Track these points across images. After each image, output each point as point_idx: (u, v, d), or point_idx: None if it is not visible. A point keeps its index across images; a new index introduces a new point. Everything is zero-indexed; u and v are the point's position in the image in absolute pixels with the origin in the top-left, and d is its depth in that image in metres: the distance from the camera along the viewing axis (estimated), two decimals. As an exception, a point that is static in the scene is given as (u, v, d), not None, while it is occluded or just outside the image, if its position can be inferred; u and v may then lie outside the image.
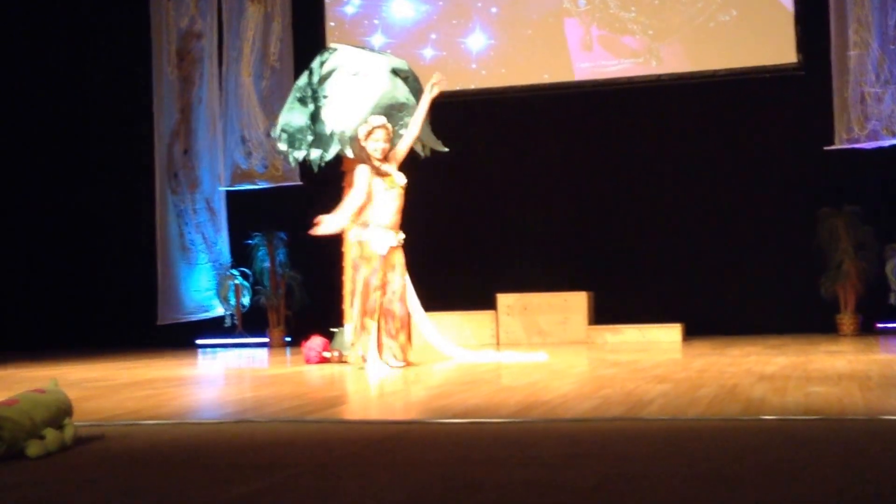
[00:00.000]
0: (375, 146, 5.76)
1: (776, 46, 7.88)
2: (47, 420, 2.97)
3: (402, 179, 5.81)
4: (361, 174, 5.72)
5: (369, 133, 5.77)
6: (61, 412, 3.06)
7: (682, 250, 8.07)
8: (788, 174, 7.91)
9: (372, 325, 5.65)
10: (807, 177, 7.81)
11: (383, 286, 5.73)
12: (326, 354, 6.36)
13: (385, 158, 5.79)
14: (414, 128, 5.91)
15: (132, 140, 9.11)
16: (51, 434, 2.94)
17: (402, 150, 5.88)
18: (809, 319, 7.65)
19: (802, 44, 7.84)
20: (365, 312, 5.67)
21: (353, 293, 5.85)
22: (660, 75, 8.14)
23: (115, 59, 9.20)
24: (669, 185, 8.14)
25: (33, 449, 2.87)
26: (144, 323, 8.78)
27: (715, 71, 8.03)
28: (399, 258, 5.83)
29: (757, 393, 3.92)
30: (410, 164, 6.06)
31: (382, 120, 5.84)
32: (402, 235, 5.84)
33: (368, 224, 5.73)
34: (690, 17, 8.10)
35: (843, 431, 3.02)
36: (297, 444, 3.13)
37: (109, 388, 4.98)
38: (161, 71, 9.04)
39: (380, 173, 5.74)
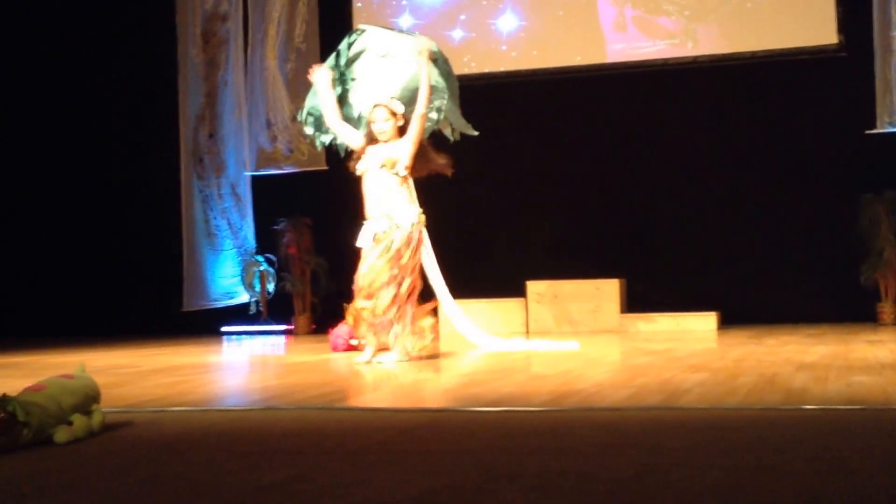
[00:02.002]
0: (374, 127, 5.55)
1: (816, 27, 7.70)
2: (75, 406, 2.96)
3: (400, 169, 5.50)
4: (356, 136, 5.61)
5: (370, 114, 5.59)
6: (89, 398, 3.05)
7: (718, 237, 7.94)
8: (829, 159, 7.75)
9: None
10: (848, 162, 7.66)
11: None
12: (353, 342, 6.30)
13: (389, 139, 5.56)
14: (420, 106, 5.57)
15: (157, 125, 9.07)
16: (79, 420, 2.93)
17: (413, 129, 5.58)
18: (849, 308, 7.51)
19: (844, 24, 7.65)
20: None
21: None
22: (696, 57, 7.98)
23: (140, 41, 9.15)
24: (705, 169, 7.99)
25: (61, 435, 2.86)
26: (170, 309, 8.76)
27: (753, 52, 7.85)
28: (378, 248, 5.48)
29: (797, 382, 3.85)
30: (440, 149, 5.93)
31: (380, 98, 5.62)
32: (382, 225, 5.50)
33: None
34: (728, -3, 7.94)
35: (887, 421, 2.97)
36: (325, 431, 3.10)
37: (136, 375, 4.98)
38: (186, 54, 8.98)
39: (360, 158, 5.55)
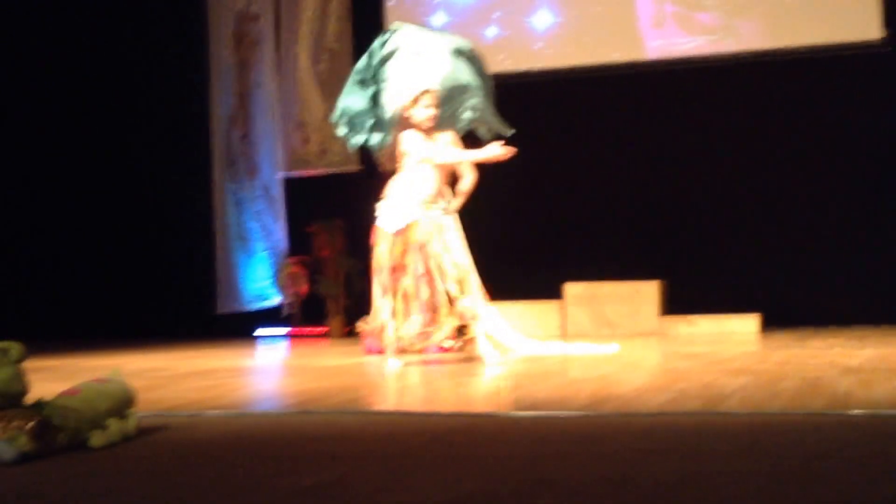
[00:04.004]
0: (426, 113, 5.41)
1: (861, 21, 7.51)
2: (110, 410, 2.98)
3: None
4: (412, 138, 5.38)
5: (415, 100, 5.43)
6: (124, 402, 3.07)
7: (760, 236, 7.79)
8: (873, 157, 7.57)
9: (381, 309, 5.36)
10: (893, 160, 7.46)
11: (402, 267, 5.37)
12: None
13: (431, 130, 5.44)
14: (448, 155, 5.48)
15: (189, 127, 9.07)
16: (114, 424, 2.95)
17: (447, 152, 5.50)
18: (895, 310, 7.29)
19: (889, 19, 7.47)
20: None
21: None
22: (737, 53, 7.81)
23: (172, 43, 9.15)
24: (747, 168, 7.84)
25: (97, 439, 2.88)
26: (203, 312, 8.75)
27: (795, 48, 7.69)
28: (424, 236, 5.36)
29: (842, 386, 3.78)
30: (473, 146, 5.85)
31: (427, 84, 5.46)
32: (436, 210, 5.41)
33: (389, 198, 5.42)
34: (771, -9, 7.78)
35: None
36: (360, 435, 3.09)
37: (170, 378, 5.00)
38: (218, 55, 8.97)
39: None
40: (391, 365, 5.26)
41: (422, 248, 5.37)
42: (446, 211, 5.49)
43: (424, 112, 5.41)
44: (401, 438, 3.00)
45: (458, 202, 5.61)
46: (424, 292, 5.37)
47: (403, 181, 5.43)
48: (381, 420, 3.43)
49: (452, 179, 5.69)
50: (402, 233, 5.38)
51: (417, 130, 5.45)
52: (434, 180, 5.43)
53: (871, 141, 7.59)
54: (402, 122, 5.54)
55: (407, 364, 5.29)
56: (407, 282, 5.35)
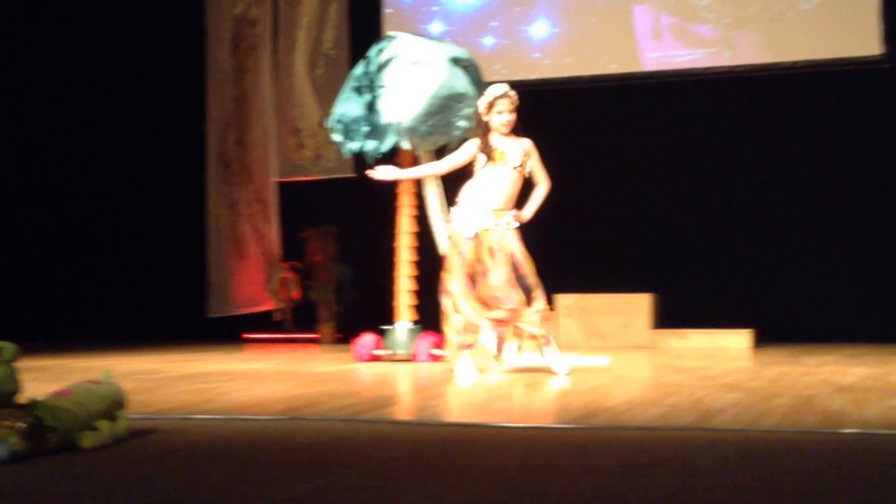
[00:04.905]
0: (501, 119, 5.27)
1: (859, 37, 7.53)
2: (101, 411, 2.98)
3: (515, 159, 5.29)
4: (468, 146, 5.34)
5: (490, 105, 5.29)
6: (115, 404, 3.08)
7: (754, 251, 7.77)
8: (870, 174, 7.57)
9: (455, 317, 5.21)
10: (890, 177, 7.46)
11: (482, 273, 5.23)
12: (378, 353, 6.23)
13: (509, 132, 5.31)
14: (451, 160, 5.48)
15: (185, 130, 9.04)
16: (104, 426, 2.95)
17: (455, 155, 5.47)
18: (890, 328, 7.29)
19: (888, 35, 7.47)
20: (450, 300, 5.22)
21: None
22: (734, 67, 7.82)
23: (169, 46, 9.13)
24: (741, 181, 7.83)
25: (88, 440, 2.88)
26: (194, 315, 8.70)
27: (793, 62, 7.69)
28: (499, 243, 5.25)
29: (835, 405, 3.77)
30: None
31: (504, 88, 5.32)
32: (507, 218, 5.31)
33: (462, 203, 5.30)
34: (768, 5, 7.77)
35: None
36: (350, 443, 3.08)
37: (161, 381, 4.98)
38: (215, 59, 8.95)
39: (487, 150, 5.27)
40: (468, 374, 5.11)
41: (494, 254, 5.26)
42: (516, 218, 5.42)
43: (499, 118, 5.30)
44: (390, 447, 2.98)
45: (531, 209, 5.48)
46: (503, 299, 5.22)
47: (474, 187, 5.33)
48: (370, 428, 3.39)
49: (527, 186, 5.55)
50: (475, 238, 5.25)
51: (498, 135, 5.30)
52: (504, 188, 5.30)
53: (868, 157, 7.59)
54: (481, 127, 5.37)
55: (481, 373, 5.15)
56: (487, 285, 5.22)
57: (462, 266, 5.23)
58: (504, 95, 5.28)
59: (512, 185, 5.31)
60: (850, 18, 7.58)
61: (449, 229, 5.43)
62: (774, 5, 7.75)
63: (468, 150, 5.34)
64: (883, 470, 2.54)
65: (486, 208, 5.26)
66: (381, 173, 5.60)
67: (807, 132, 7.75)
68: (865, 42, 7.50)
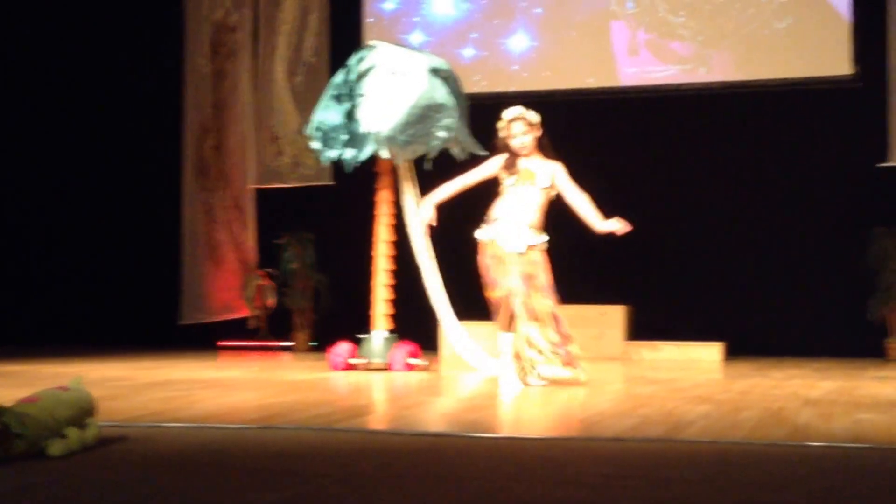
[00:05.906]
0: (516, 142, 5.27)
1: (831, 57, 7.64)
2: (70, 418, 2.94)
3: (544, 181, 5.29)
4: (494, 161, 5.33)
5: (507, 127, 5.29)
6: (84, 411, 3.04)
7: (725, 265, 7.84)
8: (839, 191, 7.66)
9: (505, 335, 5.20)
10: (858, 194, 7.56)
11: (535, 286, 5.24)
12: (353, 361, 6.22)
13: (531, 152, 5.31)
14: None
15: (162, 135, 8.99)
16: (73, 433, 2.92)
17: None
18: (856, 343, 7.39)
19: (859, 55, 7.58)
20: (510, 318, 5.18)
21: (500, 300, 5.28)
22: (709, 83, 7.92)
23: (148, 51, 9.09)
24: (713, 197, 7.90)
25: (55, 448, 2.84)
26: (166, 322, 8.65)
27: (766, 80, 7.79)
28: (518, 260, 5.26)
29: (802, 418, 3.81)
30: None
31: (516, 111, 5.33)
32: (533, 237, 5.30)
33: (492, 220, 5.29)
34: (742, 24, 7.86)
35: (893, 461, 2.94)
36: (323, 452, 3.07)
37: (131, 388, 4.95)
38: (194, 64, 8.92)
39: (510, 167, 5.29)
40: (513, 385, 5.09)
41: (534, 269, 5.28)
42: (598, 231, 5.40)
43: (516, 141, 5.30)
44: (363, 457, 2.97)
45: (598, 218, 5.49)
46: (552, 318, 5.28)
47: (506, 204, 5.31)
48: (343, 437, 3.38)
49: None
50: (519, 253, 5.26)
51: (517, 154, 5.31)
52: (534, 208, 5.31)
53: (837, 175, 7.68)
54: (500, 145, 5.39)
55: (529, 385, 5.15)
56: (539, 301, 5.26)
57: (518, 276, 5.20)
58: (516, 119, 5.29)
59: (540, 206, 5.32)
60: (822, 38, 7.68)
61: (494, 247, 5.30)
62: (748, 24, 7.85)
63: (493, 165, 5.34)
64: (847, 483, 2.56)
65: (523, 225, 5.25)
66: (424, 215, 5.50)
67: (778, 149, 7.84)
68: (836, 62, 7.61)
